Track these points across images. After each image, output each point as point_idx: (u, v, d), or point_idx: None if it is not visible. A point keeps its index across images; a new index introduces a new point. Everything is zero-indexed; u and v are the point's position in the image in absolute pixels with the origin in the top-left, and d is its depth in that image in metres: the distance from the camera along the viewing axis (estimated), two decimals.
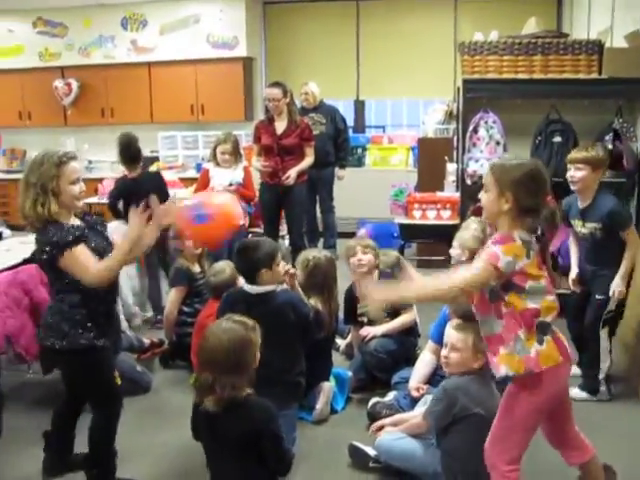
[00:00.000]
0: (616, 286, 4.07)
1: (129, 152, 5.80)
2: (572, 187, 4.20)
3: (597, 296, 4.17)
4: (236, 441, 2.76)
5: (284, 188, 6.25)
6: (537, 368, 2.55)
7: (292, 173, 6.18)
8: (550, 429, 2.87)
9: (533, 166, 2.64)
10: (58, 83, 9.95)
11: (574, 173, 4.14)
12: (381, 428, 3.54)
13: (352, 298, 4.59)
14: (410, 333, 4.52)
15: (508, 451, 2.66)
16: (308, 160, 6.39)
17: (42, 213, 2.98)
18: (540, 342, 2.57)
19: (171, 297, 4.96)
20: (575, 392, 4.20)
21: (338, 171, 8.00)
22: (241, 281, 4.25)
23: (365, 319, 4.53)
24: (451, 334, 3.33)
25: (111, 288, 3.18)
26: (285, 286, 3.87)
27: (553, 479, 3.25)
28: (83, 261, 2.98)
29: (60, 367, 3.35)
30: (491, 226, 2.89)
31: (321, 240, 8.12)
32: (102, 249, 3.12)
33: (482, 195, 2.69)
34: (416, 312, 4.56)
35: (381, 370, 4.35)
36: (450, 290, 2.56)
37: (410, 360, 4.27)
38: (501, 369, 2.60)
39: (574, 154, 4.22)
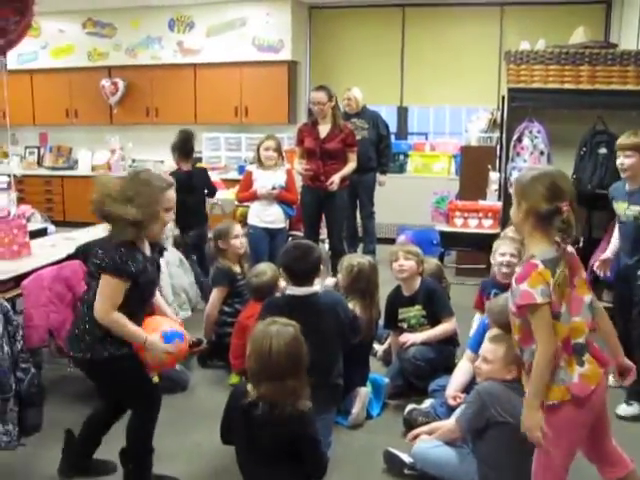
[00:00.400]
0: None
1: (186, 147, 6.38)
2: (622, 175, 4.18)
3: None
4: (273, 444, 2.78)
5: (326, 192, 6.25)
6: (584, 392, 2.52)
7: (335, 179, 6.17)
8: (588, 444, 2.81)
9: (546, 173, 2.63)
10: (105, 82, 10.10)
11: (623, 160, 4.12)
12: (417, 436, 3.53)
13: (394, 303, 4.60)
14: (449, 342, 4.50)
15: (552, 475, 2.61)
16: (351, 166, 6.38)
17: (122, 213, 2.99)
18: (581, 364, 2.54)
19: (212, 297, 4.99)
20: (622, 408, 4.11)
21: (379, 177, 8.00)
22: (282, 283, 4.28)
23: (405, 325, 4.52)
24: (484, 345, 3.33)
25: (142, 307, 3.24)
26: (327, 286, 3.87)
27: None
28: (110, 295, 3.01)
29: (89, 376, 3.38)
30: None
31: (360, 245, 8.12)
32: (152, 282, 3.22)
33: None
34: (456, 321, 4.54)
35: (418, 377, 4.34)
36: (549, 364, 2.49)
37: (448, 369, 4.25)
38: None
39: (622, 140, 4.19)
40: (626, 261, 4.24)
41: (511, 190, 2.70)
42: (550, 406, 2.52)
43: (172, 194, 3.15)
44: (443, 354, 4.41)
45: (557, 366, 2.51)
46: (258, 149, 6.21)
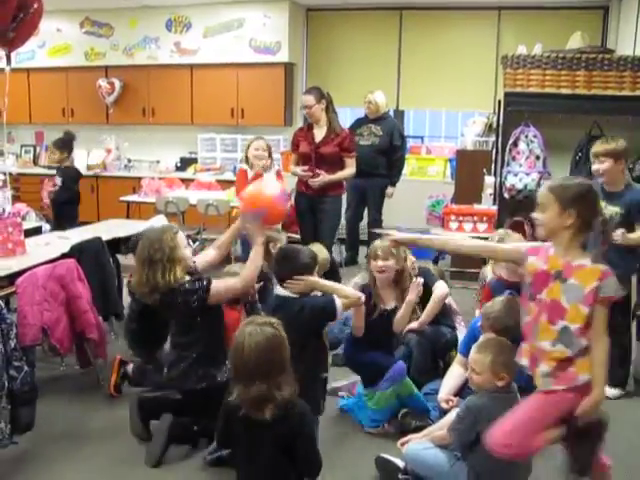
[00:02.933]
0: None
1: (71, 145, 7.18)
2: (600, 180, 4.27)
3: None
4: (272, 442, 2.77)
5: (318, 199, 6.21)
6: None
7: (321, 178, 6.08)
8: None
9: (590, 184, 2.82)
10: (102, 82, 10.08)
11: (599, 166, 4.24)
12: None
13: None
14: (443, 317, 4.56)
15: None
16: (347, 171, 6.26)
17: (170, 280, 3.43)
18: None
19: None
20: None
21: (388, 188, 7.78)
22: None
23: None
24: (471, 354, 3.28)
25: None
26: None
27: None
28: (225, 283, 3.58)
29: (196, 404, 3.59)
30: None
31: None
32: None
33: (537, 214, 2.81)
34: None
35: (421, 371, 4.35)
36: None
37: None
38: None
39: (596, 148, 4.32)
40: None
41: (543, 194, 2.79)
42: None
43: (181, 233, 3.63)
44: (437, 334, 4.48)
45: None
46: (247, 151, 6.11)
